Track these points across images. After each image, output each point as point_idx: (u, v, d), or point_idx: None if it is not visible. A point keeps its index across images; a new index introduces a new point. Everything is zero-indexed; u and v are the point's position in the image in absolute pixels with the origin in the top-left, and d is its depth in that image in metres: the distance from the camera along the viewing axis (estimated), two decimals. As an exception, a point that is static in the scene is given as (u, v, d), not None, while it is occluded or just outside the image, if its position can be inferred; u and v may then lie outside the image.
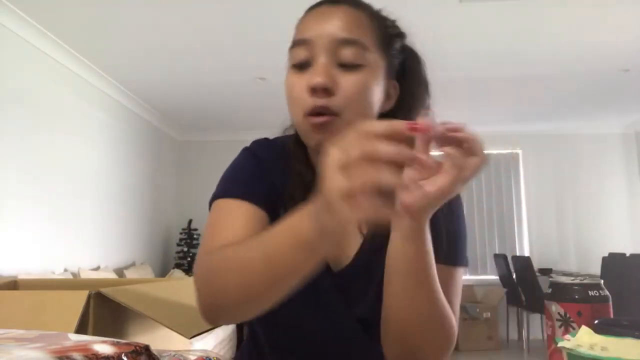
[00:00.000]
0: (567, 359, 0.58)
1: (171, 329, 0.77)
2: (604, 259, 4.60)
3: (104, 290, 0.75)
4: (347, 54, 0.66)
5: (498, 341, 5.20)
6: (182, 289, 1.00)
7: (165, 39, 3.33)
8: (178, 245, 5.55)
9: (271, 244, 0.53)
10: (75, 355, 0.32)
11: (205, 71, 3.94)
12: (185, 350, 0.59)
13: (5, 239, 2.87)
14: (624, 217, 5.73)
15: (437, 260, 0.65)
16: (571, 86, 4.39)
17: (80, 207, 3.71)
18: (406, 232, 0.58)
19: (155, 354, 0.37)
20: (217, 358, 0.58)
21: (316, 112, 0.66)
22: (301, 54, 0.68)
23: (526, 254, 5.71)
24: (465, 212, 0.80)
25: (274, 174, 0.74)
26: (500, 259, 5.35)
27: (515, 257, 5.36)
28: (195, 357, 0.56)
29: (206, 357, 0.56)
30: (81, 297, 0.72)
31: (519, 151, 5.99)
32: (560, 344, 0.59)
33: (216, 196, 0.73)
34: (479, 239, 5.89)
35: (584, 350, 0.56)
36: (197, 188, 5.59)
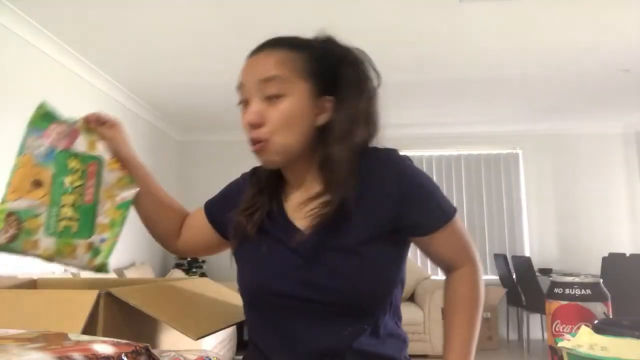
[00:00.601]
0: (567, 359, 0.58)
1: (178, 331, 0.77)
2: (604, 259, 4.60)
3: (113, 290, 0.76)
4: (270, 89, 0.82)
5: (498, 341, 5.19)
6: (190, 289, 1.01)
7: (166, 39, 3.33)
8: (178, 245, 5.54)
9: None
10: (75, 355, 0.32)
11: (206, 71, 3.94)
12: (186, 350, 0.59)
13: (5, 239, 2.87)
14: (624, 217, 5.73)
15: (435, 229, 0.85)
16: (571, 86, 4.39)
17: (80, 207, 3.71)
18: None
19: (156, 354, 0.37)
20: (217, 358, 0.58)
21: (252, 141, 0.85)
22: (241, 95, 0.86)
23: (526, 254, 5.70)
24: (440, 194, 0.90)
25: (239, 192, 0.97)
26: (500, 259, 5.35)
27: (515, 257, 5.35)
28: (195, 357, 0.56)
29: (206, 357, 0.56)
30: (90, 296, 0.72)
31: (519, 151, 5.98)
32: (560, 344, 0.59)
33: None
34: (479, 239, 5.88)
35: (584, 350, 0.56)
36: (197, 188, 5.59)
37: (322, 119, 0.85)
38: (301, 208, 0.88)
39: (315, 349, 0.83)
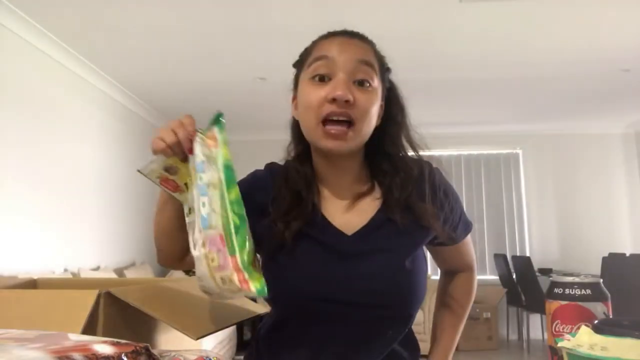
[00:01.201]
0: (567, 359, 0.58)
1: (178, 330, 0.77)
2: (604, 259, 4.60)
3: (113, 290, 0.76)
4: (363, 73, 0.80)
5: (498, 341, 5.19)
6: (189, 289, 1.01)
7: (166, 39, 3.33)
8: (178, 245, 5.54)
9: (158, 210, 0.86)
10: (75, 355, 0.32)
11: (206, 71, 3.95)
12: (185, 350, 0.59)
13: (5, 239, 2.87)
14: (624, 217, 5.73)
15: (461, 239, 0.93)
16: (571, 86, 4.39)
17: (80, 207, 3.71)
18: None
19: (156, 354, 0.37)
20: (217, 358, 0.58)
21: (331, 118, 0.79)
22: (322, 68, 0.80)
23: (526, 254, 5.71)
24: (462, 200, 0.97)
25: (259, 190, 0.89)
26: (500, 259, 5.35)
27: (515, 257, 5.36)
28: (195, 357, 0.56)
29: (206, 357, 0.56)
30: (90, 296, 0.72)
31: (519, 151, 5.98)
32: (560, 344, 0.59)
33: None
34: (479, 239, 5.88)
35: (584, 350, 0.56)
36: (197, 188, 5.58)
37: (377, 122, 0.86)
38: (342, 207, 0.86)
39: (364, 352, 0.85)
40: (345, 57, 0.80)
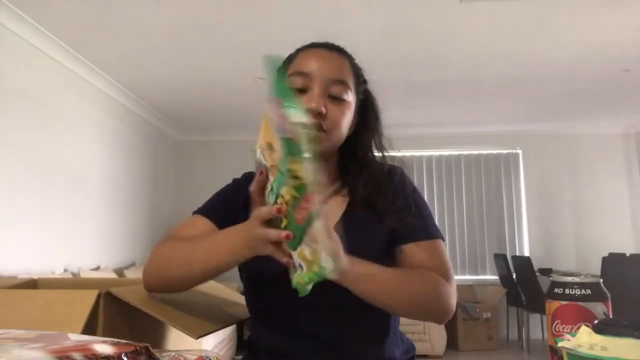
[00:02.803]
0: (567, 359, 0.58)
1: (179, 330, 0.77)
2: (604, 259, 4.60)
3: (113, 290, 0.76)
4: (336, 90, 0.89)
5: (498, 341, 5.19)
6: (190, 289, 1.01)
7: (166, 39, 3.33)
8: (178, 245, 5.54)
9: (212, 249, 0.79)
10: (75, 355, 0.32)
11: (206, 71, 3.95)
12: (186, 350, 0.59)
13: (5, 239, 2.87)
14: (624, 217, 5.73)
15: (415, 239, 0.90)
16: (571, 86, 4.39)
17: (80, 207, 3.71)
18: (349, 283, 0.77)
19: (156, 354, 0.37)
20: (217, 358, 0.58)
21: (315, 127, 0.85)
22: (298, 82, 0.88)
23: (526, 254, 5.70)
24: (424, 199, 0.99)
25: (242, 194, 0.94)
26: (500, 259, 5.35)
27: (515, 257, 5.35)
28: (195, 357, 0.56)
29: (206, 357, 0.56)
30: (90, 296, 0.72)
31: (519, 151, 5.98)
32: (560, 344, 0.59)
33: (194, 212, 0.98)
34: (479, 239, 5.88)
35: (584, 350, 0.56)
36: (196, 188, 5.59)
37: (350, 131, 0.95)
38: None
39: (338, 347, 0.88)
40: (322, 74, 0.88)
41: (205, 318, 0.87)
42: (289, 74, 0.90)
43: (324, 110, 0.86)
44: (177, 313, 0.84)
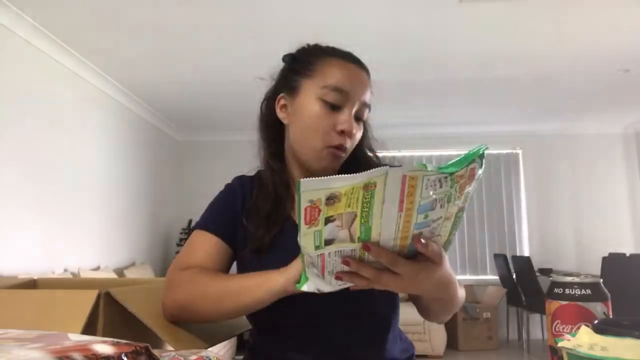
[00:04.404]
0: (567, 359, 0.58)
1: (162, 339, 0.77)
2: (604, 259, 4.60)
3: (112, 291, 0.76)
4: (362, 112, 0.90)
5: (498, 341, 5.20)
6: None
7: (166, 39, 3.33)
8: (178, 245, 5.55)
9: (251, 289, 0.77)
10: (75, 355, 0.32)
11: (206, 71, 3.95)
12: (186, 351, 0.59)
13: (5, 239, 2.87)
14: (624, 217, 5.73)
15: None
16: (571, 86, 4.39)
17: (80, 207, 3.71)
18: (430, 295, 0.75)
19: (156, 354, 0.37)
20: (217, 358, 0.58)
21: (339, 147, 0.88)
22: (336, 98, 0.87)
23: (526, 254, 5.71)
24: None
25: (238, 199, 0.95)
26: (500, 259, 5.35)
27: (515, 257, 5.36)
28: (195, 357, 0.56)
29: (206, 357, 0.56)
30: (90, 296, 0.72)
31: (519, 151, 5.99)
32: (560, 344, 0.59)
33: (194, 227, 0.95)
34: (479, 239, 5.88)
35: (584, 350, 0.56)
36: (197, 188, 5.59)
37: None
38: None
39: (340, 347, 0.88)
40: (356, 95, 0.88)
41: (199, 333, 0.84)
42: (321, 82, 0.88)
43: (352, 133, 0.88)
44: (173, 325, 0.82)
